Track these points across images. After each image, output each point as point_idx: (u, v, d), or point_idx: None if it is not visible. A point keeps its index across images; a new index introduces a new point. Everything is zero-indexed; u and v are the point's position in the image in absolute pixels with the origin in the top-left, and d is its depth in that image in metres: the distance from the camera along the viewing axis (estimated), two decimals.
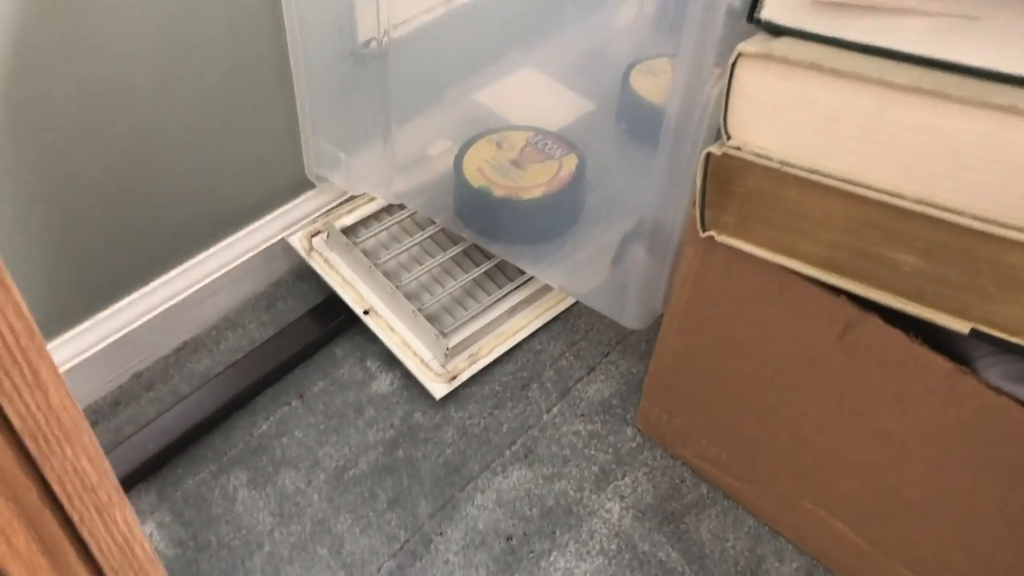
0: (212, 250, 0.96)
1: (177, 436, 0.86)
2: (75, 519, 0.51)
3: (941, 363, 0.62)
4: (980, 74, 0.54)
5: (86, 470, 0.50)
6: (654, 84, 1.01)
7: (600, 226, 0.94)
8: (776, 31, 0.62)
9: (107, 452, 0.85)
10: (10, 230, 0.77)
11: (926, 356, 0.63)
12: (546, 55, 1.09)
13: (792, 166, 0.62)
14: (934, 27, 0.56)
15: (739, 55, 0.61)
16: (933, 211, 0.57)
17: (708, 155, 0.65)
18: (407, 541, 0.81)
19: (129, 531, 0.55)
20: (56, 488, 0.49)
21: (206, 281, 0.95)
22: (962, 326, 0.59)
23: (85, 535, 0.53)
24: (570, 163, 0.94)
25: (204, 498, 0.84)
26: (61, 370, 0.84)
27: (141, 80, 0.79)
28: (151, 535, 0.82)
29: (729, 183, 0.66)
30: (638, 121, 1.02)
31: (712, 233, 0.69)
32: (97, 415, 0.90)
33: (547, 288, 0.98)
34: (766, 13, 0.62)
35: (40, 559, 0.52)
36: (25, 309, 0.43)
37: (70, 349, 0.88)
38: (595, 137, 1.01)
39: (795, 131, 0.61)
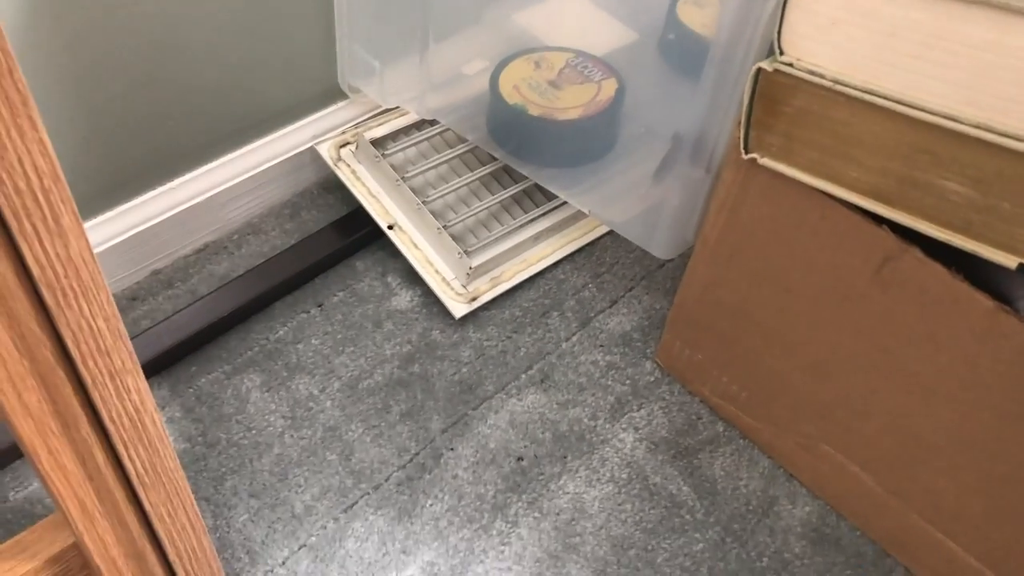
0: (239, 152, 0.95)
1: (193, 333, 0.86)
2: (88, 381, 0.51)
3: (982, 300, 0.60)
4: None
5: (102, 330, 0.49)
6: (701, 16, 0.98)
7: (636, 156, 0.92)
8: None
9: None
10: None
11: (967, 292, 0.61)
12: None
13: (845, 84, 0.59)
14: None
15: None
16: (991, 136, 0.54)
17: (759, 71, 0.63)
18: (417, 454, 0.81)
19: (140, 402, 0.54)
20: (70, 345, 0.48)
21: (231, 183, 0.94)
22: (1009, 261, 0.57)
23: (97, 400, 0.52)
24: (609, 87, 0.91)
25: (216, 397, 0.83)
26: None
27: None
28: None
29: (778, 102, 0.64)
30: (683, 53, 0.99)
31: (755, 155, 0.67)
32: None
33: (574, 217, 0.97)
34: None
35: (51, 420, 0.51)
36: (51, 149, 0.41)
37: (90, 239, 0.87)
38: (636, 66, 0.98)
39: (852, 46, 0.59)
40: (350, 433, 0.81)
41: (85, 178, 0.84)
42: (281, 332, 0.88)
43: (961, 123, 0.55)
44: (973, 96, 0.55)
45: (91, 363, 0.49)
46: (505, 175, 0.97)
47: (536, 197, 0.96)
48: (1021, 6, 0.51)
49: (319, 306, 0.91)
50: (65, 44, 0.74)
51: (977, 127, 0.55)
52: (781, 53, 0.62)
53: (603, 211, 0.89)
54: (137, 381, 0.52)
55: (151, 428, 0.56)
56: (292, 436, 0.81)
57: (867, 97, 0.59)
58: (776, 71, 0.62)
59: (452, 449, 0.81)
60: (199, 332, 0.86)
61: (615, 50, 1.01)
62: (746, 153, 0.67)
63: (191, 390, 0.84)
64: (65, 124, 0.79)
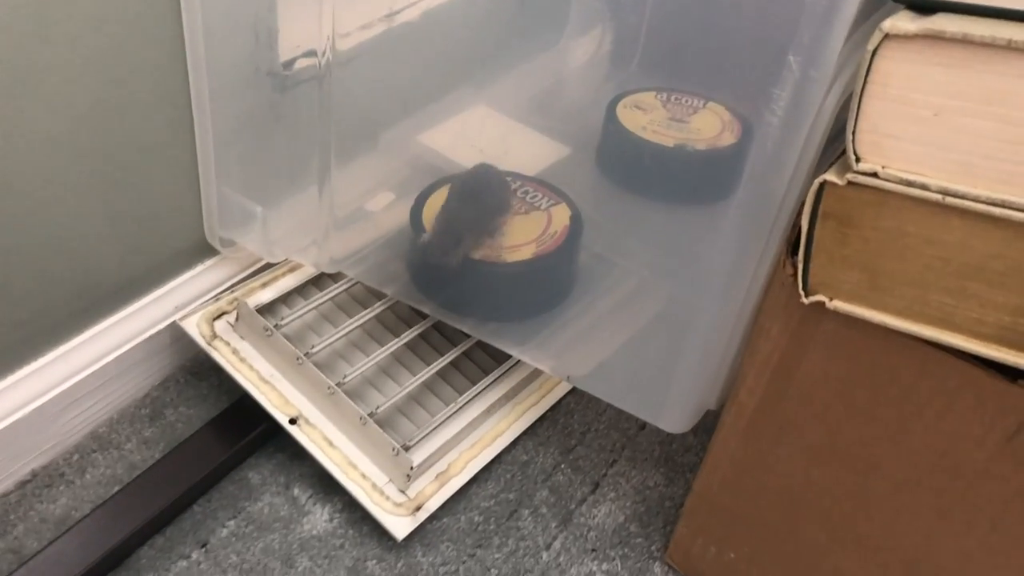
0: (75, 340, 0.69)
1: None
2: None
3: None
4: None
5: None
6: (646, 120, 0.82)
7: (596, 293, 0.73)
8: (926, 8, 0.44)
9: None
10: None
11: None
12: (501, 91, 0.89)
13: (959, 196, 0.42)
14: None
15: (885, 36, 0.42)
16: None
17: (823, 184, 0.46)
18: None
19: None
20: None
21: (66, 384, 0.68)
22: None
23: None
24: (561, 215, 0.73)
25: None
26: None
27: None
28: None
29: (855, 225, 0.46)
30: (629, 163, 0.82)
31: (821, 298, 0.49)
32: None
33: (529, 379, 0.76)
34: None
35: None
36: None
37: None
38: (578, 185, 0.80)
39: (968, 145, 0.42)
40: None
41: None
42: None
43: None
44: None
45: None
46: (437, 334, 0.76)
47: (479, 359, 0.75)
48: None
49: (202, 546, 0.65)
50: None
51: None
52: (858, 160, 0.44)
53: (581, 375, 0.69)
54: None
55: None
56: None
57: (992, 210, 0.42)
58: (851, 184, 0.45)
59: None
60: None
61: (548, 168, 0.83)
62: (807, 295, 0.49)
63: None
64: None
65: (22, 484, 0.68)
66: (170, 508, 0.66)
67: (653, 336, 0.68)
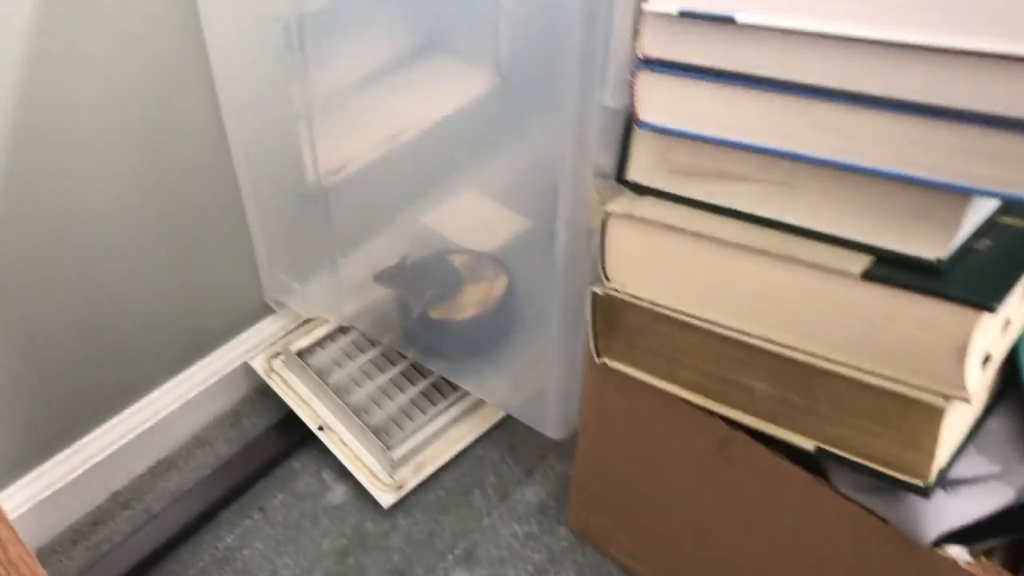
0: (183, 374, 1.06)
1: (149, 552, 0.95)
2: None
3: (799, 474, 0.71)
4: (796, 231, 0.64)
5: None
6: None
7: (530, 340, 1.03)
8: (640, 191, 0.72)
9: (85, 570, 0.94)
10: None
11: (787, 467, 0.71)
12: (486, 175, 1.20)
13: (660, 305, 0.71)
14: (762, 191, 0.66)
15: (608, 214, 0.71)
16: (773, 347, 0.66)
17: (594, 294, 0.75)
18: None
19: None
20: None
21: (177, 404, 1.05)
22: (808, 444, 0.67)
23: None
24: (501, 284, 1.03)
25: None
26: (44, 495, 0.93)
27: (105, 226, 0.89)
28: None
29: (613, 317, 0.75)
30: None
31: (605, 360, 0.78)
32: (77, 534, 0.99)
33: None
34: (631, 175, 0.72)
35: None
36: None
37: (53, 475, 0.97)
38: (528, 255, 1.11)
39: (659, 276, 0.71)
40: None
41: (46, 419, 0.94)
42: (228, 540, 0.97)
43: (750, 336, 0.67)
44: (754, 316, 0.66)
45: None
46: (417, 369, 1.09)
47: (448, 385, 1.07)
48: (773, 249, 0.62)
49: (261, 510, 1.00)
50: (11, 308, 0.85)
51: (762, 339, 0.66)
52: (608, 280, 0.74)
53: (500, 397, 1.00)
54: None
55: None
56: None
57: (677, 316, 0.70)
58: (606, 295, 0.74)
59: None
60: (154, 551, 0.95)
61: (512, 239, 1.14)
62: (598, 358, 0.79)
63: None
64: (25, 374, 0.89)
65: (151, 469, 1.05)
66: (242, 485, 1.02)
67: (541, 370, 0.98)
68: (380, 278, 1.01)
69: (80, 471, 0.98)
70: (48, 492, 0.96)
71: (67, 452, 0.98)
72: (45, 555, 0.95)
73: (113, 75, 0.83)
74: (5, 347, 0.86)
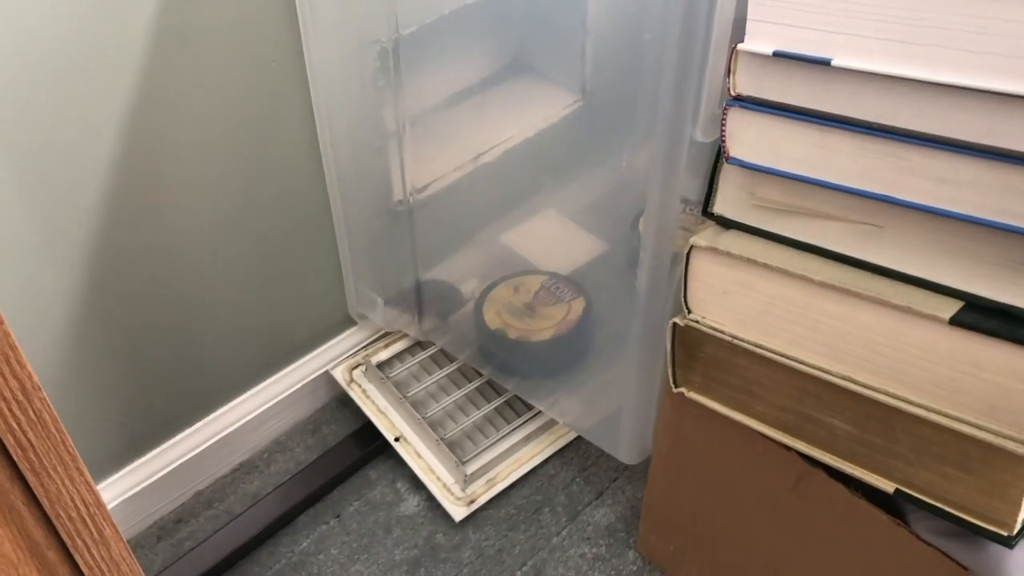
0: (267, 382, 1.09)
1: (228, 552, 0.98)
2: None
3: (877, 515, 0.70)
4: (884, 272, 0.64)
5: None
6: None
7: (605, 363, 1.04)
8: (726, 224, 0.73)
9: (168, 567, 0.98)
10: (93, 379, 0.92)
11: (865, 508, 0.71)
12: (567, 197, 1.21)
13: (741, 340, 0.72)
14: (850, 231, 0.66)
15: (692, 247, 0.72)
16: (855, 387, 0.65)
17: (674, 324, 0.76)
18: None
19: None
20: None
21: (260, 410, 1.08)
22: (887, 486, 0.67)
23: None
24: (578, 306, 1.05)
25: None
26: (133, 492, 0.98)
27: (204, 244, 0.93)
28: None
29: (693, 348, 0.76)
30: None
31: (683, 390, 0.79)
32: (162, 531, 1.03)
33: None
34: (717, 208, 0.73)
35: None
36: (94, 485, 0.56)
37: (142, 472, 1.01)
38: (606, 278, 1.12)
39: (741, 311, 0.71)
40: None
41: (140, 420, 0.99)
42: (304, 544, 1.01)
43: (832, 375, 0.67)
44: (837, 355, 0.66)
45: None
46: (492, 386, 1.10)
47: (526, 401, 1.09)
48: (860, 290, 0.63)
49: (337, 516, 1.03)
50: (115, 319, 0.90)
51: (844, 379, 0.66)
52: (689, 312, 0.74)
53: (573, 418, 1.01)
54: None
55: None
56: None
57: (759, 351, 0.71)
58: (687, 326, 0.75)
59: None
60: (234, 551, 0.98)
61: (589, 262, 1.15)
62: (675, 387, 0.79)
63: None
64: (123, 384, 0.94)
65: (233, 471, 1.09)
66: (320, 491, 1.05)
67: (615, 394, 0.99)
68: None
69: (167, 470, 1.03)
70: (137, 489, 1.00)
71: (156, 451, 1.02)
72: (130, 550, 1.00)
73: (221, 103, 0.87)
74: (108, 354, 0.91)
